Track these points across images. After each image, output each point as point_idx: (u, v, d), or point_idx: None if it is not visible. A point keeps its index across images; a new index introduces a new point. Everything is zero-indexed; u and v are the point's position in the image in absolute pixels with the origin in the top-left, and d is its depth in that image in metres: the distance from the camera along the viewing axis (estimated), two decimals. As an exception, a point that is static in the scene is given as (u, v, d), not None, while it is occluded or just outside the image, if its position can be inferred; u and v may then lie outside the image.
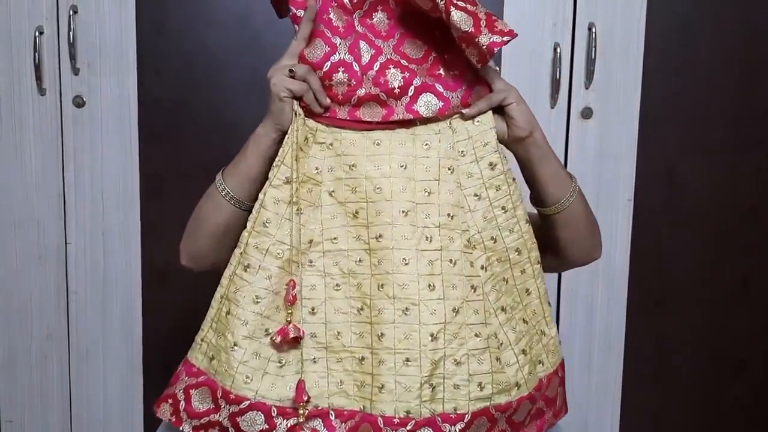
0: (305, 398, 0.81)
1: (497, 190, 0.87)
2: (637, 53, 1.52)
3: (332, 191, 0.85)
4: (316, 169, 0.85)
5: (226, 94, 1.51)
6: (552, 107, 1.53)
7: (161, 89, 1.51)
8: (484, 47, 0.81)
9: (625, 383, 1.64)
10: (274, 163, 0.86)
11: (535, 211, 0.98)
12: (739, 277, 1.63)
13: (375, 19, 0.87)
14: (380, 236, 0.84)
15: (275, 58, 0.86)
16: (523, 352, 0.87)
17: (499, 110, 0.89)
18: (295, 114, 0.85)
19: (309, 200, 0.85)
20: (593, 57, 1.50)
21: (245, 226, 0.88)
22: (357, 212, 0.85)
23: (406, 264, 0.83)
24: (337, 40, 0.85)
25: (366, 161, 0.85)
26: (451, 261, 0.84)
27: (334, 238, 0.85)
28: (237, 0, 1.49)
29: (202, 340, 0.88)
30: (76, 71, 1.48)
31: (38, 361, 1.58)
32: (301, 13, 0.85)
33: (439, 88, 0.86)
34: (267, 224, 0.85)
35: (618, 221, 1.58)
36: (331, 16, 0.86)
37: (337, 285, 0.84)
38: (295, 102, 0.86)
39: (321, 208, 0.85)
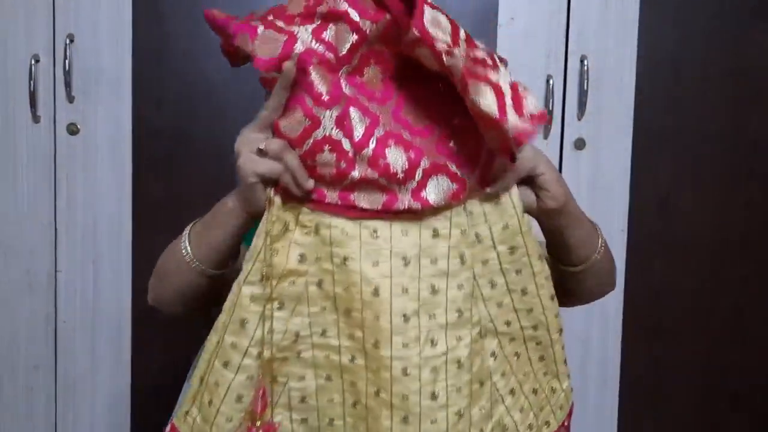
0: None
1: (517, 274, 0.76)
2: (629, 84, 1.54)
3: (320, 282, 0.72)
4: (300, 257, 0.72)
5: (223, 123, 1.52)
6: (545, 138, 1.54)
7: (157, 118, 1.51)
8: (511, 137, 0.65)
9: (620, 414, 1.62)
10: (247, 257, 0.72)
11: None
12: (733, 306, 1.63)
13: (366, 76, 0.70)
14: (377, 343, 0.71)
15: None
16: (530, 427, 0.81)
17: (526, 179, 0.76)
18: (269, 202, 0.70)
19: (292, 294, 0.72)
20: (585, 88, 1.51)
21: (214, 287, 0.79)
22: (350, 312, 0.72)
23: (407, 375, 0.71)
24: (321, 112, 0.68)
25: (360, 256, 0.70)
26: (458, 363, 0.73)
27: (324, 332, 0.73)
28: (233, 30, 1.50)
29: (186, 413, 0.77)
30: (71, 99, 1.48)
31: (24, 393, 1.55)
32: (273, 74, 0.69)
33: (453, 167, 0.70)
34: (245, 324, 0.72)
35: (612, 252, 1.58)
36: (312, 77, 0.67)
37: (329, 377, 0.74)
38: (269, 189, 0.71)
39: (307, 302, 0.73)
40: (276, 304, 0.72)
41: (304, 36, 0.68)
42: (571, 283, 0.87)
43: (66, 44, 1.46)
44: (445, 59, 0.63)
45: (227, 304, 0.73)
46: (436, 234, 0.71)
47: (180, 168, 1.53)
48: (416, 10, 0.62)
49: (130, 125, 1.50)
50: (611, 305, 1.59)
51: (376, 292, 0.71)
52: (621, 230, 1.58)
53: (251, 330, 0.72)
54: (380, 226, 0.71)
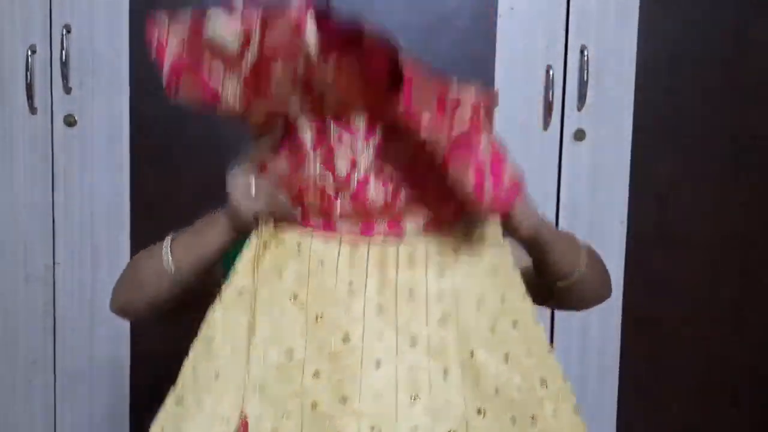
0: None
1: (503, 301, 0.73)
2: (629, 76, 1.53)
3: (295, 295, 0.72)
4: (279, 272, 0.73)
5: (220, 116, 1.51)
6: (544, 129, 1.53)
7: (154, 109, 1.50)
8: (487, 208, 0.68)
9: (620, 406, 1.62)
10: (229, 279, 0.74)
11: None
12: (733, 299, 1.63)
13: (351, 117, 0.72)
14: (347, 336, 0.68)
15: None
16: None
17: None
18: (261, 223, 0.74)
19: (267, 302, 0.72)
20: (585, 79, 1.51)
21: (186, 297, 0.80)
22: (321, 315, 0.70)
23: (379, 367, 0.66)
24: (307, 153, 0.72)
25: (337, 269, 0.72)
26: (444, 372, 0.67)
27: (289, 350, 0.70)
28: (231, 21, 1.49)
29: None
30: (68, 90, 1.47)
31: (23, 385, 1.55)
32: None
33: (431, 198, 0.72)
34: (211, 343, 0.72)
35: (611, 244, 1.58)
36: (298, 123, 0.72)
37: (288, 413, 0.68)
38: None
39: (282, 313, 0.71)
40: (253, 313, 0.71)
41: None
42: (562, 295, 0.90)
43: (63, 35, 1.45)
44: (427, 138, 0.65)
45: (200, 334, 0.73)
46: (413, 262, 0.71)
47: (177, 159, 1.52)
48: (405, 88, 0.63)
49: (128, 117, 1.49)
50: (611, 296, 1.58)
51: (350, 292, 0.70)
52: (620, 222, 1.57)
53: (222, 351, 0.72)
54: (358, 247, 0.72)
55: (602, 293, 0.98)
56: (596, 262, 0.91)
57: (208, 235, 0.82)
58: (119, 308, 0.92)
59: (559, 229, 1.56)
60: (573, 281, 0.87)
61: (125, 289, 0.90)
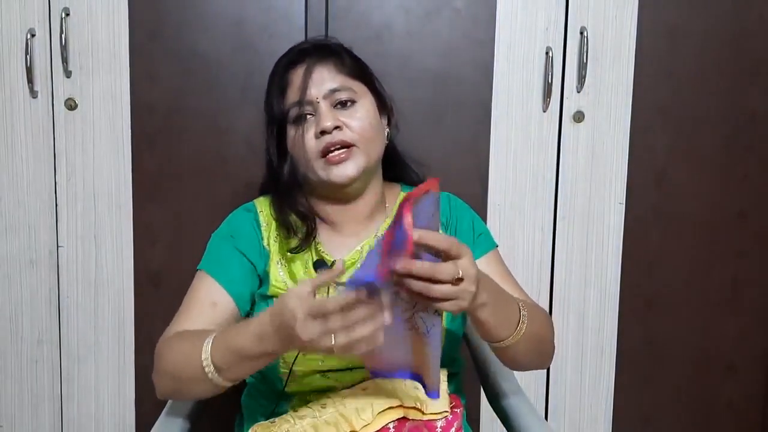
0: None
1: None
2: (629, 57, 1.53)
3: None
4: None
5: (219, 98, 1.51)
6: (544, 111, 1.53)
7: (154, 92, 1.50)
8: None
9: (617, 385, 1.64)
10: None
11: None
12: (729, 279, 1.64)
13: None
14: None
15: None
16: None
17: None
18: None
19: None
20: (585, 61, 1.51)
21: None
22: None
23: None
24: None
25: None
26: None
27: None
28: (230, 4, 1.49)
29: None
30: (68, 74, 1.47)
31: (29, 366, 1.57)
32: None
33: None
34: None
35: (609, 224, 1.59)
36: None
37: None
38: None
39: None
40: None
41: None
42: (495, 353, 1.03)
43: (62, 18, 1.44)
44: None
45: None
46: None
47: (178, 141, 1.52)
48: None
49: (129, 99, 1.49)
50: (609, 277, 1.60)
51: None
52: (619, 203, 1.58)
53: None
54: None
55: (537, 363, 1.09)
56: (538, 329, 1.01)
57: (259, 359, 0.86)
58: (165, 397, 1.02)
59: (558, 217, 1.57)
60: (504, 347, 0.98)
61: (168, 383, 0.97)
